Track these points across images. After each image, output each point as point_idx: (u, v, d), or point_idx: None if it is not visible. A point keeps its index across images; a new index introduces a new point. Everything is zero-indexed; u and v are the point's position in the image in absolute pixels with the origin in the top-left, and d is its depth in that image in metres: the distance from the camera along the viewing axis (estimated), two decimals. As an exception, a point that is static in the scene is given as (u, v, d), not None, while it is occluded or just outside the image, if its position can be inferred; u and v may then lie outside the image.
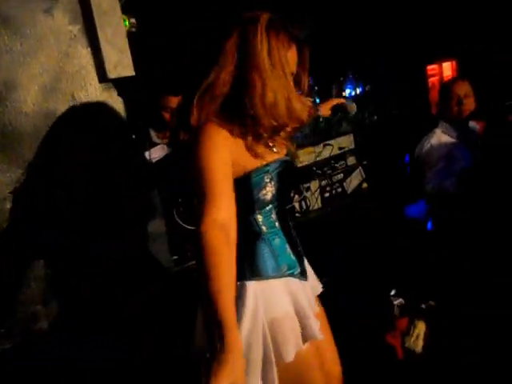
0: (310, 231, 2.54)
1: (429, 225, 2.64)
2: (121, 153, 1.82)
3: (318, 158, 2.76)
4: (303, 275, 1.36)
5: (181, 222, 2.19)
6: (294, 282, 1.31)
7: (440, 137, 2.61)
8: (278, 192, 1.30)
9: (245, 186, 1.23)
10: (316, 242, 2.47)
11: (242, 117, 1.19)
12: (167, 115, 2.81)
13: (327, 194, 2.78)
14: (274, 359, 1.20)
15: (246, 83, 1.16)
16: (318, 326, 1.29)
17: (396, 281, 2.24)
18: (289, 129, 1.30)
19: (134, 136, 1.91)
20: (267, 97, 1.16)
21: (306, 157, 2.71)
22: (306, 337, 1.27)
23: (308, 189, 2.68)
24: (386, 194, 2.91)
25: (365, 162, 2.95)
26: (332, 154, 2.81)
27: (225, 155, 1.17)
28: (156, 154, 2.69)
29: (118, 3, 1.79)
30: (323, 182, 2.76)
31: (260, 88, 1.15)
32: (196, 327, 1.31)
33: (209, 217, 1.08)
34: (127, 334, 1.79)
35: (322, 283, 1.50)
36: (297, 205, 2.64)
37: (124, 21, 1.87)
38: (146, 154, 2.69)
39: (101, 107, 1.76)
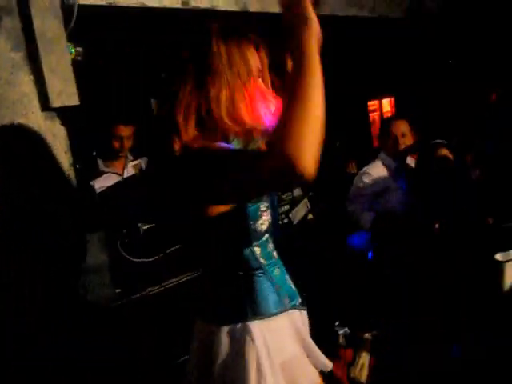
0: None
1: (369, 255, 2.73)
2: (62, 183, 1.77)
3: (264, 189, 2.78)
4: (303, 304, 1.30)
5: (125, 254, 2.13)
6: (295, 312, 1.25)
7: (379, 167, 2.79)
8: (273, 220, 1.22)
9: (239, 218, 1.14)
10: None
11: (213, 130, 1.10)
12: (117, 144, 2.78)
13: (274, 225, 2.80)
14: None
15: (207, 95, 1.09)
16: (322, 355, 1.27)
17: (340, 311, 2.28)
18: (257, 135, 1.15)
19: (77, 166, 1.87)
20: (228, 105, 1.09)
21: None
22: (317, 369, 1.25)
23: (255, 219, 2.69)
24: (330, 225, 2.99)
25: (311, 194, 3.01)
26: (278, 185, 2.86)
27: None
28: (102, 183, 2.64)
29: (64, 31, 1.77)
30: (270, 213, 2.78)
31: (219, 96, 1.08)
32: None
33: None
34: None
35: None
36: (244, 235, 2.64)
37: (70, 49, 1.84)
38: (92, 183, 2.63)
39: (42, 136, 1.71)
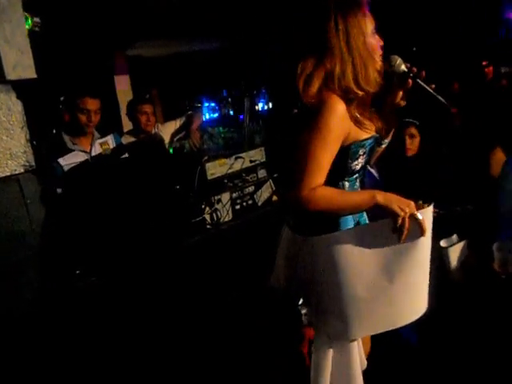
0: (220, 243, 2.55)
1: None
2: (17, 160, 1.69)
3: (229, 171, 2.77)
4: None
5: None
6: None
7: None
8: (365, 164, 1.48)
9: (342, 155, 1.37)
10: (227, 255, 2.48)
11: (341, 89, 1.32)
12: (83, 118, 2.67)
13: (238, 207, 2.80)
14: None
15: (326, 69, 1.33)
16: None
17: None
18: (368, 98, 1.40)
19: (34, 142, 1.79)
20: (358, 72, 1.33)
21: (217, 169, 2.71)
22: None
23: (219, 201, 2.69)
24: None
25: (275, 175, 3.02)
26: (243, 166, 2.85)
27: (343, 130, 1.33)
28: (69, 160, 2.55)
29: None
30: (234, 195, 2.78)
31: (337, 70, 1.32)
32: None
33: (307, 185, 1.29)
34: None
35: (232, 297, 1.58)
36: (207, 217, 2.63)
37: (26, 19, 1.75)
38: (60, 160, 2.55)
39: (-3, 109, 1.62)
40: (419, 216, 1.28)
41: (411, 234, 1.29)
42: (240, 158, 2.83)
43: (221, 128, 3.78)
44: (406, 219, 1.28)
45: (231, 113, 6.71)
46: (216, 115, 7.12)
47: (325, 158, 1.31)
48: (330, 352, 1.48)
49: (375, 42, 1.38)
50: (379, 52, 1.40)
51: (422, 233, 1.29)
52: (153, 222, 2.33)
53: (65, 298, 1.93)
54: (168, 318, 2.19)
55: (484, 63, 4.89)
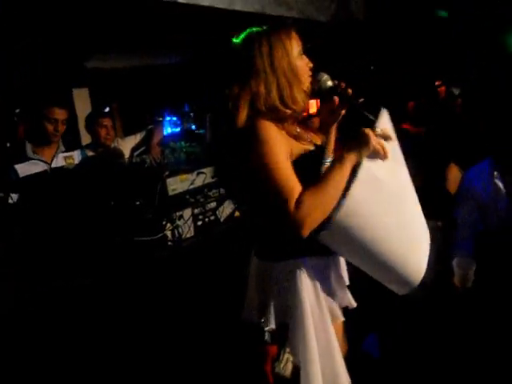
0: (182, 260, 2.50)
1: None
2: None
3: (191, 186, 2.74)
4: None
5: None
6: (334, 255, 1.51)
7: None
8: None
9: (305, 165, 1.37)
10: (188, 272, 2.44)
11: (268, 109, 1.35)
12: (50, 127, 2.61)
13: (200, 223, 2.76)
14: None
15: (253, 92, 1.35)
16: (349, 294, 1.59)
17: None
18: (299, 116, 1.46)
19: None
20: (282, 94, 1.36)
21: (179, 184, 2.67)
22: (344, 304, 1.56)
23: (181, 217, 2.64)
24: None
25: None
26: (205, 182, 2.82)
27: (285, 147, 1.33)
28: (26, 169, 2.48)
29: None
30: (196, 210, 2.74)
31: (278, 86, 1.36)
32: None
33: (291, 201, 1.23)
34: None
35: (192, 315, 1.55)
36: (169, 233, 2.58)
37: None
38: (16, 167, 2.48)
39: None
40: (379, 130, 1.35)
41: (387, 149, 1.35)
42: (202, 173, 2.80)
43: (183, 143, 3.75)
44: (377, 141, 1.33)
45: (193, 127, 6.67)
46: (178, 130, 7.06)
47: (284, 167, 1.30)
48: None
49: (302, 63, 1.43)
50: (308, 73, 1.44)
51: (389, 137, 1.37)
52: (110, 238, 2.26)
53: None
54: (122, 339, 2.12)
55: (437, 83, 5.11)
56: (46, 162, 2.66)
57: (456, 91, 4.72)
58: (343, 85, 1.45)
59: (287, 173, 1.29)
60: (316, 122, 1.60)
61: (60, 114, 2.63)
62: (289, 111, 1.38)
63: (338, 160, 1.32)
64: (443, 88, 4.98)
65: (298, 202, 1.24)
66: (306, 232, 1.25)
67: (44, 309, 1.97)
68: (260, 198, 1.38)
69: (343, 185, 1.29)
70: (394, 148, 1.39)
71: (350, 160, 1.31)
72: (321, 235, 1.31)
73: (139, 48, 4.72)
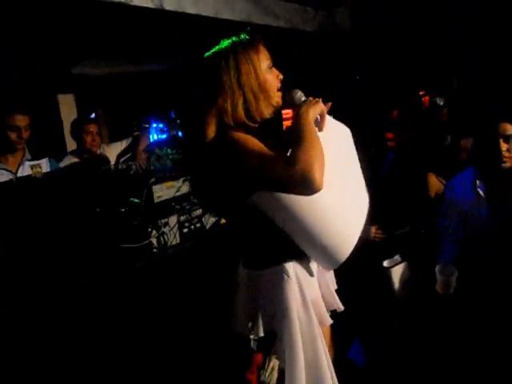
0: (167, 267, 2.49)
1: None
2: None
3: (177, 193, 2.73)
4: None
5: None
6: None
7: None
8: None
9: None
10: (174, 279, 2.42)
11: (235, 123, 1.36)
12: (13, 135, 2.57)
13: (186, 230, 2.76)
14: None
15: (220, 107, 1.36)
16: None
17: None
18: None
19: None
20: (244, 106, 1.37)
21: (165, 191, 2.67)
22: (332, 307, 1.60)
23: (166, 224, 2.63)
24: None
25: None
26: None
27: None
28: None
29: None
30: (182, 218, 2.73)
31: (244, 100, 1.37)
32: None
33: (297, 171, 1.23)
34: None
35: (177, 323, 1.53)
36: (154, 240, 2.56)
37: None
38: None
39: None
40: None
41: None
42: (188, 180, 2.80)
43: (169, 149, 3.74)
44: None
45: (180, 134, 6.65)
46: (164, 136, 7.04)
47: (269, 151, 1.32)
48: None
49: (272, 76, 1.44)
50: (276, 87, 1.46)
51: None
52: (96, 246, 2.24)
53: None
54: (108, 346, 2.09)
55: (421, 93, 5.19)
56: (9, 171, 2.61)
57: (440, 101, 4.81)
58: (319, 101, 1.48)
59: (274, 152, 1.31)
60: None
61: (21, 121, 2.59)
62: (254, 125, 1.40)
63: (297, 118, 1.40)
64: (427, 98, 5.07)
65: (294, 163, 1.24)
66: (320, 180, 1.23)
67: (43, 309, 1.95)
68: (250, 199, 1.37)
69: (313, 128, 1.36)
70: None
71: (303, 117, 1.38)
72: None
73: (126, 54, 4.71)
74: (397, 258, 2.48)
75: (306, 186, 1.22)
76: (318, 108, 1.42)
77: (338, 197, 1.42)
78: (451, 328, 2.13)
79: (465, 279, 2.15)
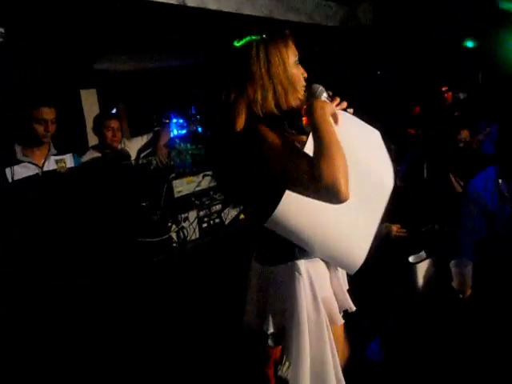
0: (187, 262, 2.51)
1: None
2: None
3: (197, 188, 2.75)
4: None
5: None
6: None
7: None
8: None
9: None
10: (193, 274, 2.44)
11: (264, 114, 1.36)
12: (40, 128, 2.58)
13: (205, 225, 2.77)
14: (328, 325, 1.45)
15: (250, 98, 1.35)
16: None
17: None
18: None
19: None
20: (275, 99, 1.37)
21: (185, 186, 2.69)
22: (344, 307, 1.55)
23: (186, 219, 2.65)
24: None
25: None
26: (211, 184, 2.83)
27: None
28: (18, 172, 2.46)
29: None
30: (201, 213, 2.75)
31: (274, 92, 1.37)
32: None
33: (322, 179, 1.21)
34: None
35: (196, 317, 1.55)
36: (174, 235, 2.59)
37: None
38: (8, 172, 2.45)
39: None
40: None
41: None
42: (208, 175, 2.81)
43: (189, 145, 3.76)
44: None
45: (199, 129, 6.69)
46: (184, 132, 7.09)
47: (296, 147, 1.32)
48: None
49: (298, 72, 1.44)
50: (302, 83, 1.45)
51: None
52: (115, 239, 2.27)
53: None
54: (128, 341, 2.13)
55: (444, 89, 5.10)
56: (36, 165, 2.62)
57: (463, 96, 4.73)
58: (337, 99, 1.46)
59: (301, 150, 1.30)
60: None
61: (48, 114, 2.58)
62: (283, 116, 1.39)
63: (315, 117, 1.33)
64: (450, 94, 4.99)
65: (319, 179, 1.22)
66: (346, 192, 1.21)
67: (42, 308, 1.96)
68: (272, 192, 1.35)
69: (334, 132, 1.29)
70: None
71: (315, 115, 1.32)
72: (268, 222, 1.37)
73: (147, 50, 4.75)
74: (422, 254, 2.45)
75: (333, 198, 1.23)
76: (327, 107, 1.37)
77: (354, 207, 1.37)
78: (471, 327, 2.10)
79: (487, 278, 2.12)
